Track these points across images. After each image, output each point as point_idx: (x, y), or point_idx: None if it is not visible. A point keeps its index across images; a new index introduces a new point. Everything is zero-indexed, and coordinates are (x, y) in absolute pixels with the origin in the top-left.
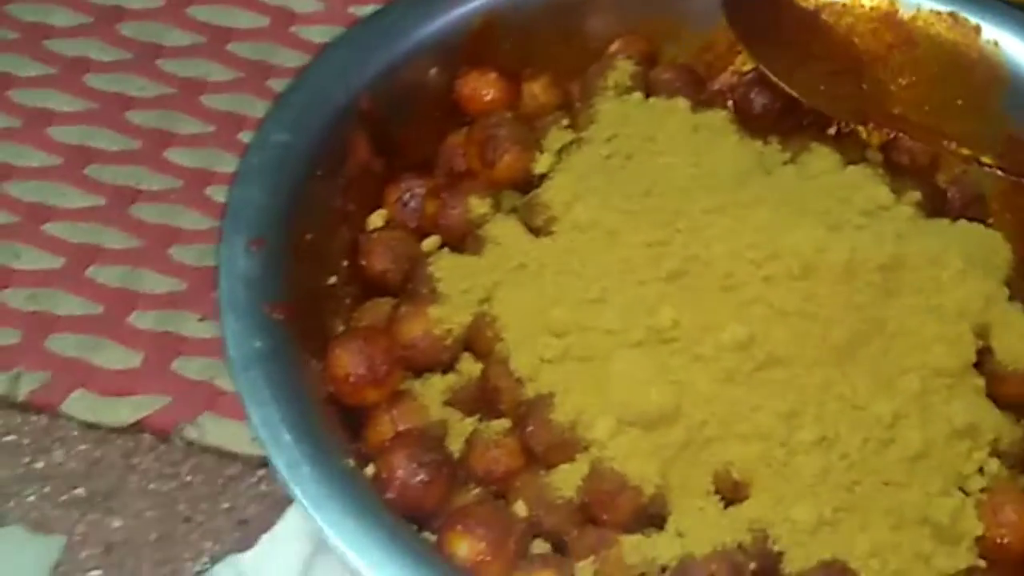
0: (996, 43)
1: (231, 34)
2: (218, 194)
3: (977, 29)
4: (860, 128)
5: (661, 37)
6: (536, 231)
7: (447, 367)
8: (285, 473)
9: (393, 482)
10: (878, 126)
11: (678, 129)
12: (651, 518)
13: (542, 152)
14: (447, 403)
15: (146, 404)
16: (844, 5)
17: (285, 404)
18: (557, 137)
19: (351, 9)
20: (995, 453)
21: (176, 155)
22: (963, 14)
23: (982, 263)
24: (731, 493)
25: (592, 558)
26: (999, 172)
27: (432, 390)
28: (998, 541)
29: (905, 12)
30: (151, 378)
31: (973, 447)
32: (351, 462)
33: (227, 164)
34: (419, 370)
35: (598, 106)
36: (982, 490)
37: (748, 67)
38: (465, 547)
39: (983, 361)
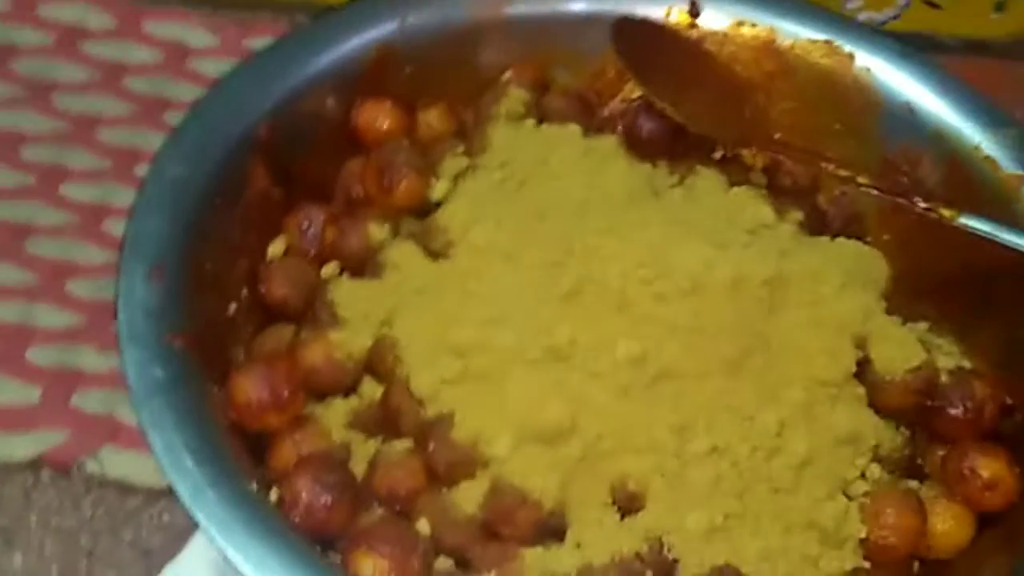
0: (869, 70)
1: (126, 69)
2: (114, 228)
3: (851, 57)
4: (744, 151)
5: (553, 65)
6: (434, 255)
7: (349, 390)
8: (188, 499)
9: (297, 505)
10: (760, 150)
11: (569, 154)
12: (551, 531)
13: (438, 178)
14: (350, 426)
15: (45, 439)
16: (725, 35)
17: (187, 431)
18: (452, 163)
19: (245, 42)
20: (876, 459)
21: (71, 190)
22: (837, 43)
23: (860, 278)
24: (628, 504)
25: (494, 572)
26: (874, 192)
27: (335, 414)
28: (881, 543)
29: (783, 41)
30: (50, 413)
31: (856, 453)
32: (254, 486)
33: (123, 198)
34: (321, 394)
35: (491, 133)
36: (865, 494)
37: (636, 94)
38: (369, 566)
39: (863, 372)
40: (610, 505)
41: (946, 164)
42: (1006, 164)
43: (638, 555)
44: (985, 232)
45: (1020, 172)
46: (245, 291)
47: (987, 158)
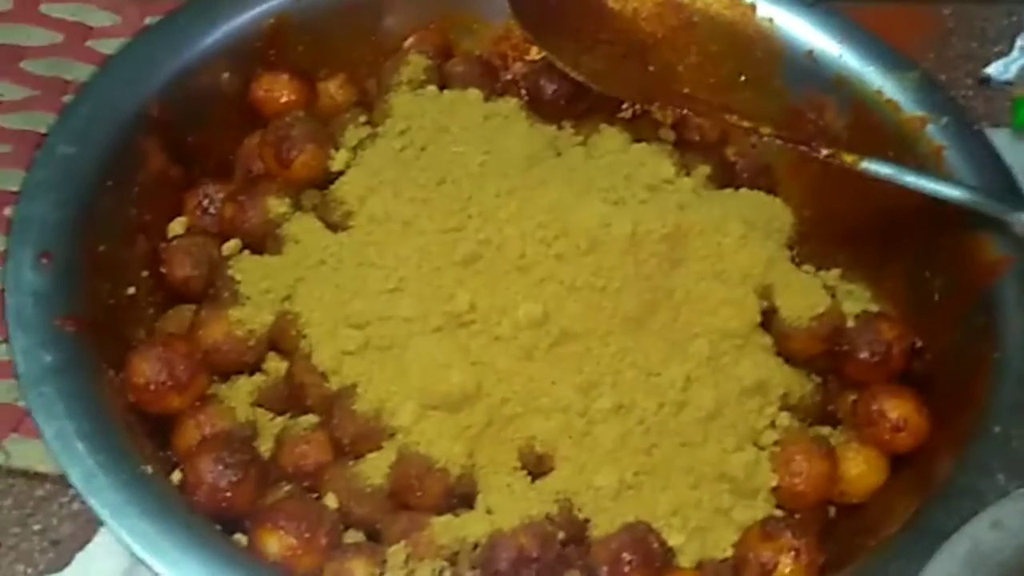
0: (771, 20)
1: (24, 52)
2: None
3: (752, 7)
4: (651, 108)
5: (455, 31)
6: (334, 227)
7: (253, 368)
8: (81, 485)
9: (201, 486)
10: (664, 105)
11: (470, 119)
12: (460, 498)
13: (338, 149)
14: (255, 404)
15: None
16: None
17: (79, 417)
18: (354, 134)
19: (147, 20)
20: (786, 407)
21: None
22: None
23: (763, 228)
24: (536, 466)
25: (404, 542)
26: (779, 141)
27: (239, 392)
28: (792, 490)
29: None
30: None
31: (764, 403)
32: (150, 469)
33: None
34: (225, 373)
35: (392, 101)
36: (775, 443)
37: (540, 56)
38: (275, 543)
39: (770, 321)
40: (519, 469)
41: (850, 109)
42: (908, 106)
43: (549, 517)
44: (886, 176)
45: (922, 114)
46: (145, 272)
47: (889, 101)
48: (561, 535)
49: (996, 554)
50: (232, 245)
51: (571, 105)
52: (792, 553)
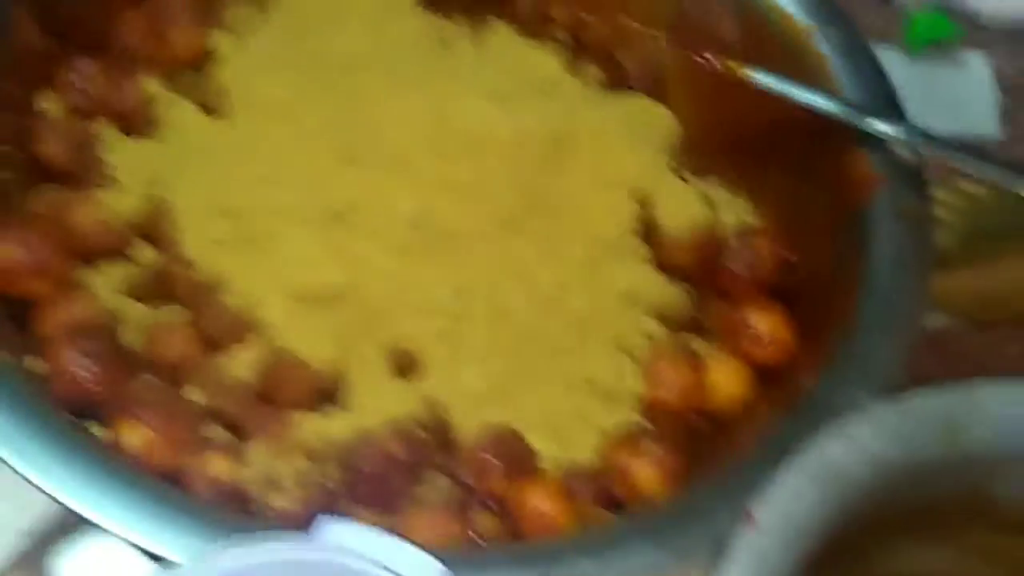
0: None
1: None
2: None
3: None
4: (548, 7)
5: None
6: (211, 112)
7: (120, 254)
8: None
9: (61, 374)
10: (560, 4)
11: (360, 7)
12: (327, 396)
13: (220, 30)
14: (121, 292)
15: None
16: None
17: None
18: (238, 15)
19: None
20: (658, 317)
21: None
22: None
23: (645, 135)
24: (406, 366)
25: (265, 438)
26: (670, 47)
27: (105, 279)
28: (658, 399)
29: None
30: None
31: (636, 312)
32: (7, 356)
33: None
34: (90, 259)
35: None
36: (644, 352)
37: None
38: (135, 435)
39: (648, 230)
40: (388, 368)
41: (743, 18)
42: (799, 16)
43: (415, 417)
44: (768, 86)
45: (811, 24)
46: (10, 148)
47: (781, 11)
48: (427, 437)
49: (844, 467)
50: (103, 125)
51: None
52: (653, 460)
